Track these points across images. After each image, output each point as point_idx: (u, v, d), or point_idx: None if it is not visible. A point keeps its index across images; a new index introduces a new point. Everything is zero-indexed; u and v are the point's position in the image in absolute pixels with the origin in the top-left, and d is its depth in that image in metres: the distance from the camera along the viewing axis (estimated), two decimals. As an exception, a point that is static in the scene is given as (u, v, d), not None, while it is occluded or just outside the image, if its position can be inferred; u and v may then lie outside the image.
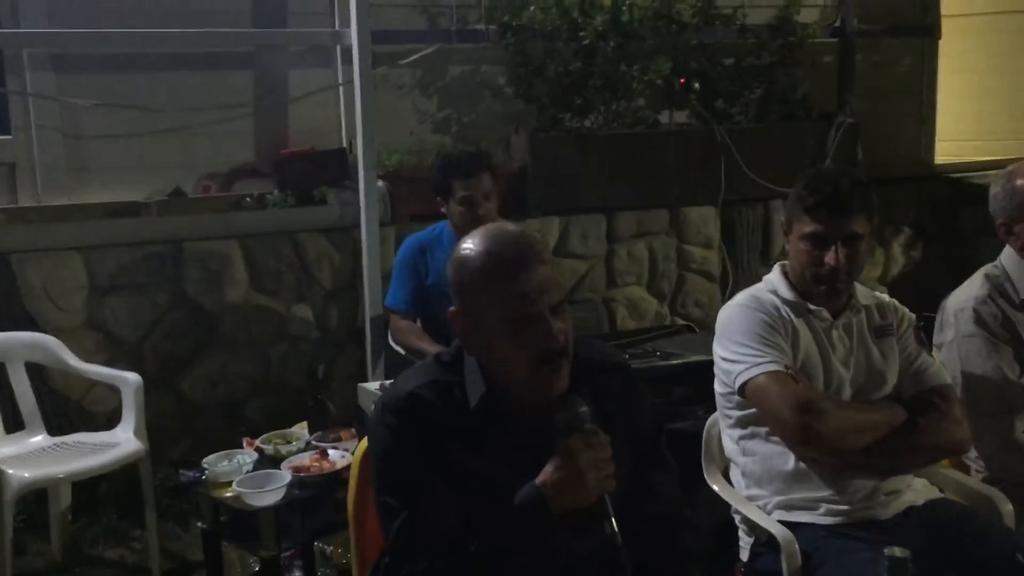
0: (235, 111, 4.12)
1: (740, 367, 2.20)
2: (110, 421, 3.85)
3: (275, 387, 4.15)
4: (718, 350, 2.30)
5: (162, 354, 3.94)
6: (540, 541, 1.56)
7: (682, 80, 4.81)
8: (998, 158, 6.32)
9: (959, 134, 6.35)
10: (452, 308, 1.68)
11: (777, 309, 2.26)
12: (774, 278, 2.33)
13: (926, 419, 2.18)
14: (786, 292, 2.28)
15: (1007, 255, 2.53)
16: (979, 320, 2.42)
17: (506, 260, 1.60)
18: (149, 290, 3.89)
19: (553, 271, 1.63)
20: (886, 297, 2.38)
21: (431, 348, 3.42)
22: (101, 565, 3.54)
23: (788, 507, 2.20)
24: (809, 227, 2.20)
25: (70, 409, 3.83)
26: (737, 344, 2.23)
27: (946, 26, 5.90)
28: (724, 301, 5.01)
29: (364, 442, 1.98)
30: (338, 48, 4.22)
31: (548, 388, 1.62)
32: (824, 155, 5.09)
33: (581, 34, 4.34)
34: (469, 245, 1.65)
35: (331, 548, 3.44)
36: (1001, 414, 2.37)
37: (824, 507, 2.17)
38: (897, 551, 1.47)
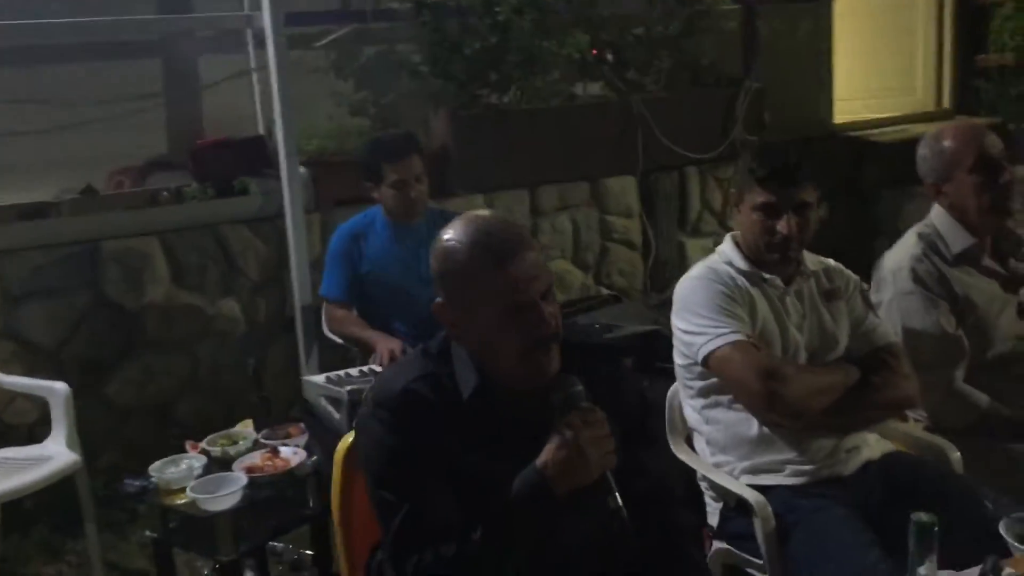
0: (145, 101, 3.96)
1: (702, 339, 2.24)
2: (31, 433, 3.69)
3: (205, 386, 4.03)
4: (678, 323, 2.34)
5: (84, 360, 3.78)
6: (544, 524, 1.57)
7: (595, 51, 4.83)
8: (889, 115, 6.63)
9: (851, 94, 6.56)
10: (438, 300, 1.67)
11: (733, 279, 2.32)
12: (727, 249, 2.39)
13: (879, 377, 2.28)
14: (740, 262, 2.34)
15: (937, 214, 2.64)
16: (916, 278, 2.53)
17: (495, 249, 1.60)
18: (66, 294, 3.72)
19: (539, 256, 1.64)
20: (831, 262, 2.46)
21: (369, 335, 3.39)
22: (36, 583, 3.40)
23: (754, 471, 2.27)
24: (761, 197, 2.26)
25: (-11, 424, 3.65)
26: (698, 316, 2.27)
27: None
28: (646, 269, 5.18)
29: (346, 442, 1.96)
30: (249, 32, 4.09)
31: (540, 372, 1.64)
32: (734, 120, 5.21)
33: (496, 9, 4.31)
34: (454, 236, 1.64)
35: (282, 546, 3.38)
36: (941, 367, 2.48)
37: (789, 468, 2.24)
38: (924, 516, 1.53)
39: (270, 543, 3.29)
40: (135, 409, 3.91)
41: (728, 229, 5.38)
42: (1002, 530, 1.76)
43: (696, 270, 2.37)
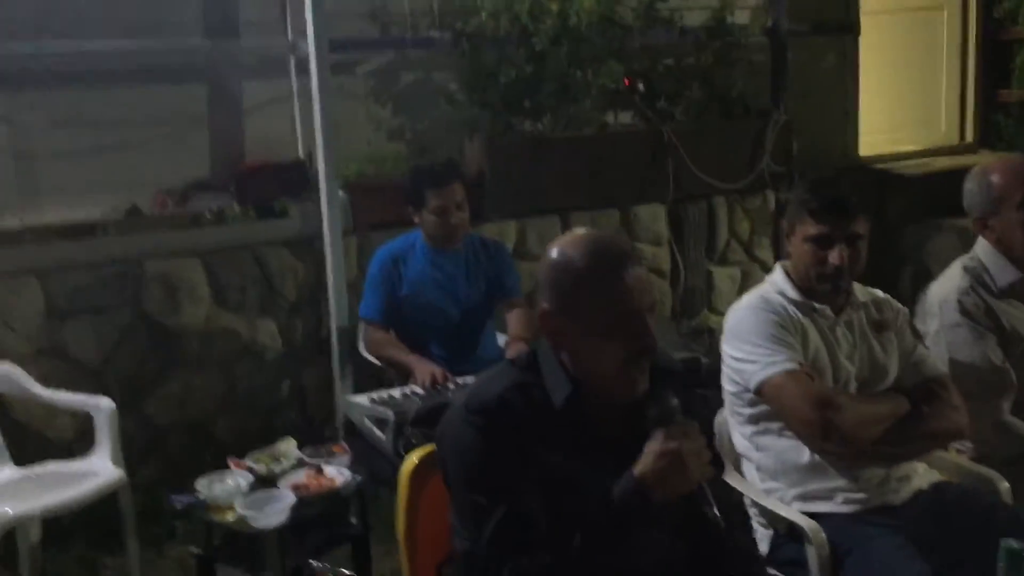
0: (189, 125, 4.02)
1: (755, 367, 2.28)
2: (70, 449, 3.73)
3: (242, 405, 4.07)
4: (729, 351, 2.37)
5: (125, 377, 3.82)
6: (641, 533, 1.62)
7: (626, 81, 4.90)
8: (911, 149, 6.67)
9: (874, 127, 6.62)
10: (544, 306, 1.73)
11: (785, 309, 2.35)
12: (778, 279, 2.42)
13: (929, 408, 2.31)
14: (792, 292, 2.38)
15: (982, 247, 2.68)
16: (963, 310, 2.56)
17: (612, 259, 1.70)
18: (109, 312, 3.77)
19: (647, 273, 1.71)
20: (880, 293, 2.50)
21: (408, 359, 3.43)
22: (76, 597, 3.43)
23: (805, 498, 2.29)
24: (813, 229, 2.30)
25: (28, 439, 3.69)
26: (750, 344, 2.31)
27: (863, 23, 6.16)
28: (674, 297, 5.22)
29: (412, 461, 1.99)
30: (292, 58, 4.16)
31: (633, 386, 1.71)
32: (762, 151, 5.26)
33: (533, 39, 4.38)
34: (568, 247, 1.74)
35: (319, 565, 3.39)
36: (988, 398, 2.51)
37: (841, 496, 2.27)
38: (1014, 543, 1.56)
39: (309, 561, 3.33)
40: (173, 426, 3.95)
41: (754, 259, 5.50)
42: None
43: (748, 299, 2.41)
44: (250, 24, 4.17)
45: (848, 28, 5.93)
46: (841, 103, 6.07)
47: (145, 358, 3.86)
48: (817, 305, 2.36)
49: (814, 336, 2.33)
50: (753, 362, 2.28)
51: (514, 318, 3.55)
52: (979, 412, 2.48)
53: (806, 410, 2.20)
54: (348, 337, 4.06)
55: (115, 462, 3.26)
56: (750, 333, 2.32)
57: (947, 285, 2.64)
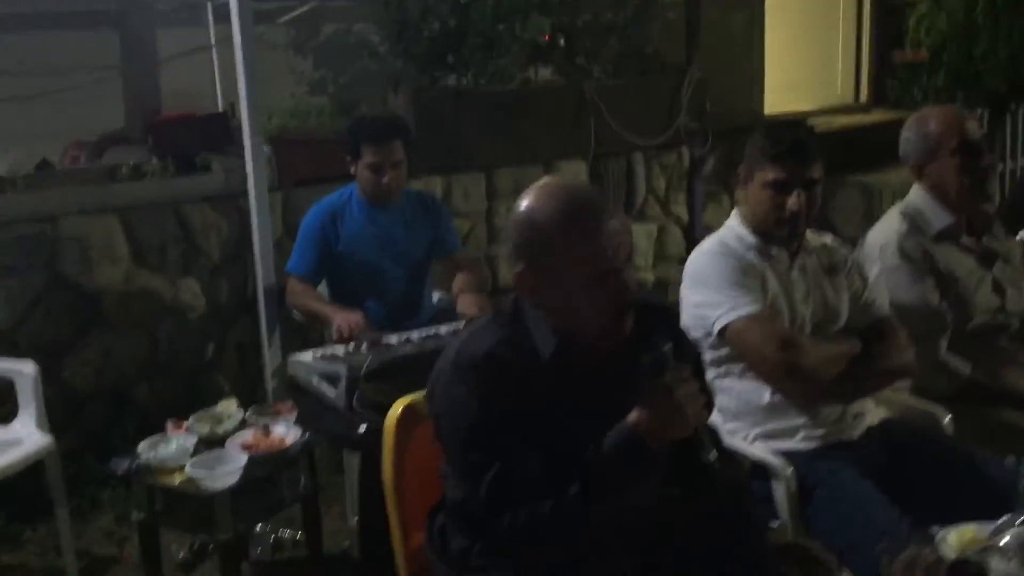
0: (101, 74, 3.81)
1: (719, 311, 2.32)
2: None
3: (164, 368, 3.92)
4: (691, 295, 2.41)
5: (40, 341, 3.63)
6: (638, 478, 1.63)
7: (547, 36, 4.88)
8: (810, 107, 6.89)
9: (774, 86, 6.80)
10: (518, 267, 1.69)
11: (744, 254, 2.40)
12: (735, 225, 2.47)
13: (880, 347, 2.41)
14: (749, 238, 2.43)
15: (917, 194, 2.79)
16: (903, 254, 2.67)
17: (583, 219, 1.66)
18: (21, 273, 3.56)
19: (620, 222, 1.68)
20: (828, 238, 2.58)
21: (326, 309, 3.34)
22: (2, 572, 3.25)
23: (767, 436, 2.37)
24: (772, 174, 2.35)
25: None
26: (712, 289, 2.35)
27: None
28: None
29: (396, 410, 1.96)
30: (209, 6, 3.98)
31: (618, 334, 1.70)
32: (679, 108, 5.34)
33: (459, -9, 4.31)
34: (536, 204, 1.68)
35: (260, 526, 3.31)
36: (927, 338, 2.62)
37: (801, 433, 2.35)
38: None
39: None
40: (92, 392, 3.77)
41: (670, 215, 5.59)
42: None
43: (708, 244, 2.45)
44: (165, -32, 3.98)
45: (757, -12, 6.05)
46: (748, 62, 6.20)
47: (61, 321, 3.67)
48: (774, 250, 2.42)
49: (772, 280, 2.39)
50: (716, 306, 2.33)
51: (464, 275, 3.51)
52: (919, 352, 2.59)
53: (770, 351, 2.26)
54: (275, 296, 3.96)
55: (41, 428, 3.09)
56: (712, 278, 2.36)
57: (886, 230, 2.74)
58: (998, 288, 2.73)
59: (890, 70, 7.08)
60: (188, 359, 3.95)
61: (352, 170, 3.41)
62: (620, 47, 5.21)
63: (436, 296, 3.76)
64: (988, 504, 1.94)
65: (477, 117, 4.59)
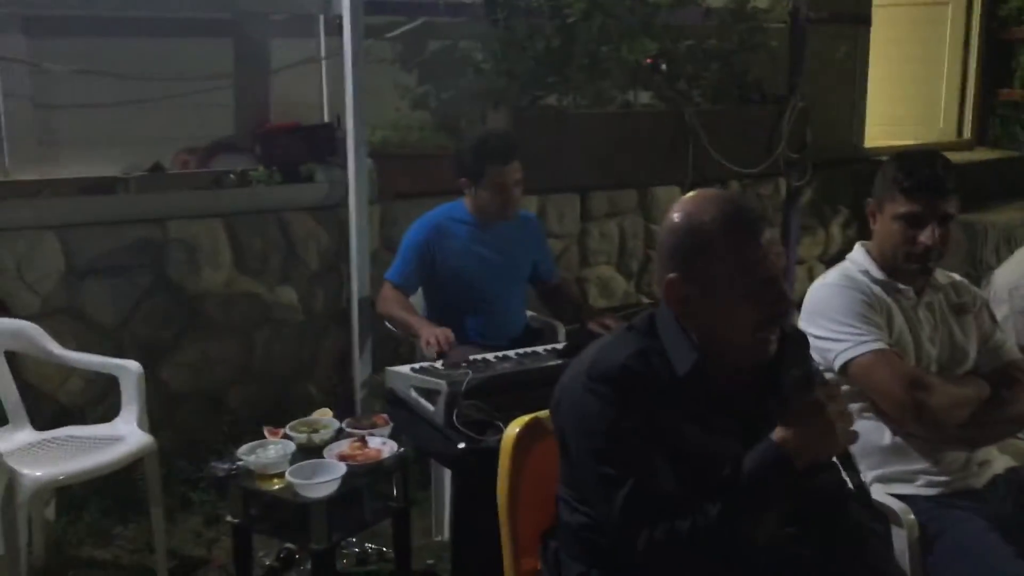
0: (214, 82, 3.88)
1: (842, 345, 2.24)
2: (82, 413, 3.60)
3: (258, 374, 3.96)
4: (810, 329, 2.32)
5: (142, 340, 3.69)
6: (784, 498, 1.57)
7: (649, 60, 4.84)
8: (910, 143, 6.72)
9: (875, 119, 6.65)
10: (671, 275, 1.66)
11: (870, 288, 2.32)
12: (860, 258, 2.38)
13: (1009, 392, 2.29)
14: (876, 272, 2.34)
15: (1047, 234, 2.67)
16: (1034, 296, 2.56)
17: (748, 223, 1.63)
18: (128, 273, 3.63)
19: (777, 235, 1.64)
20: (957, 276, 2.48)
21: (415, 320, 3.32)
22: (94, 567, 3.30)
23: (886, 480, 2.27)
24: (904, 208, 2.26)
25: (43, 401, 3.55)
26: (835, 323, 2.26)
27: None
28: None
29: (512, 430, 1.92)
30: (321, 18, 4.03)
31: (764, 351, 1.65)
32: (779, 138, 5.25)
33: (566, 11, 4.30)
34: (696, 209, 1.66)
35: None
36: (1057, 385, 2.49)
37: (923, 479, 2.24)
38: None
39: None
40: (187, 394, 3.82)
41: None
42: None
43: (831, 277, 2.37)
44: (278, -20, 4.04)
45: (863, 19, 5.94)
46: (850, 94, 6.08)
47: (163, 322, 3.74)
48: (901, 285, 2.33)
49: (898, 317, 2.30)
50: (839, 340, 2.24)
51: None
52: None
53: (898, 390, 2.16)
54: (369, 307, 3.98)
55: (142, 427, 3.14)
56: (835, 311, 2.28)
57: (1017, 271, 2.64)
58: None
59: (996, 108, 6.86)
60: (281, 366, 3.98)
61: (469, 189, 3.38)
62: (721, 73, 5.14)
63: (528, 315, 3.73)
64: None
65: (576, 138, 4.56)
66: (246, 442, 2.75)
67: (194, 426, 3.80)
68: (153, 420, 3.68)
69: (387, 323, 3.55)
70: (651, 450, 1.61)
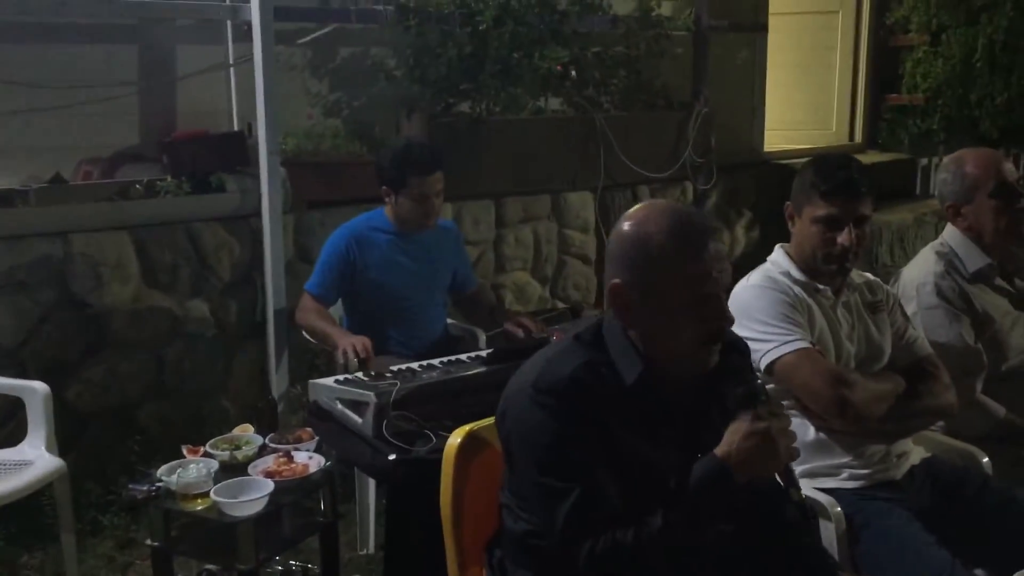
0: (118, 89, 3.73)
1: (767, 346, 2.29)
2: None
3: (171, 391, 3.83)
4: (736, 330, 2.37)
5: (46, 360, 3.53)
6: (724, 512, 1.60)
7: (559, 67, 4.88)
8: (806, 147, 6.96)
9: (773, 124, 6.87)
10: (615, 281, 1.67)
11: (791, 289, 2.39)
12: (781, 260, 2.45)
13: (924, 386, 2.39)
14: (796, 273, 2.41)
15: (951, 234, 2.80)
16: (940, 293, 2.68)
17: (694, 239, 1.65)
18: (31, 289, 3.47)
19: (723, 248, 1.67)
20: (871, 276, 2.57)
21: (333, 330, 3.28)
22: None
23: (812, 475, 2.33)
24: (823, 210, 2.34)
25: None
26: (760, 324, 2.32)
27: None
28: (599, 284, 5.24)
29: (455, 440, 1.91)
30: (229, 24, 3.93)
31: (706, 364, 1.68)
32: (685, 143, 5.37)
33: (477, 19, 4.30)
34: (647, 222, 1.66)
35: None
36: (962, 378, 2.61)
37: (846, 472, 2.32)
38: None
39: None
40: (95, 413, 3.67)
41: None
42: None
43: (754, 278, 2.43)
44: (183, -16, 3.91)
45: (760, 26, 6.12)
46: (750, 99, 6.26)
47: (67, 340, 3.58)
48: (820, 286, 2.40)
49: (819, 316, 2.38)
50: (764, 340, 2.30)
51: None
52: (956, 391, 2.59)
53: (822, 387, 2.23)
54: (285, 319, 3.90)
55: (50, 450, 3.00)
56: (759, 312, 2.33)
57: (923, 269, 2.74)
58: (1032, 330, 2.74)
59: (884, 113, 7.17)
60: (195, 382, 3.86)
61: (390, 198, 3.35)
62: (629, 80, 5.23)
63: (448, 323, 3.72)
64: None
65: (489, 145, 4.57)
66: (159, 462, 2.66)
67: (103, 447, 3.65)
68: (60, 442, 3.56)
69: (305, 334, 3.49)
70: (595, 462, 1.62)
